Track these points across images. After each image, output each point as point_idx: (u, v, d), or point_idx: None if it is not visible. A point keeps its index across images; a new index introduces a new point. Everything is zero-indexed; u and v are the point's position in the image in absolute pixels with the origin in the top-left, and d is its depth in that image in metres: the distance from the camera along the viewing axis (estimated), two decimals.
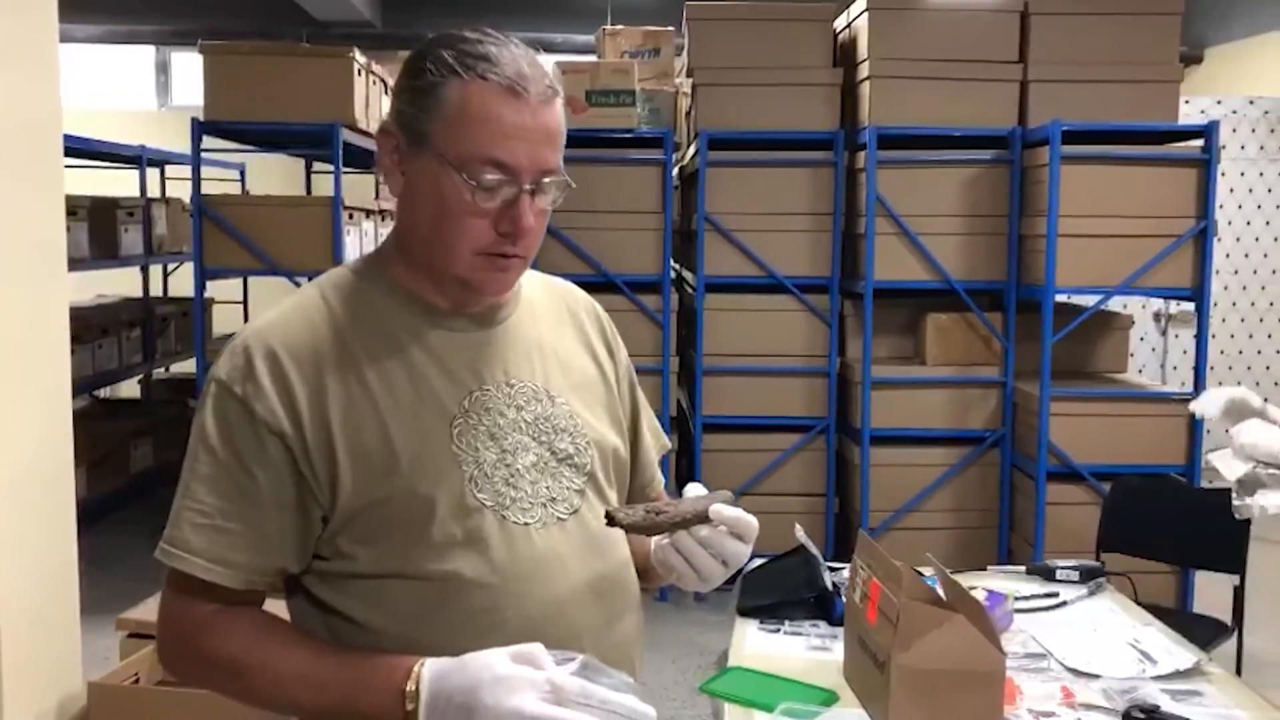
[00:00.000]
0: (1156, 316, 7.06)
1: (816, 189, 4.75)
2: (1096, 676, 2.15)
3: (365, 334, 1.23)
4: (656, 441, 1.52)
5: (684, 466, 5.09)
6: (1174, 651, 2.27)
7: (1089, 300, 4.64)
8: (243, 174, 7.51)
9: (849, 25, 4.92)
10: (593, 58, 5.29)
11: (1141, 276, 4.31)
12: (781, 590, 2.51)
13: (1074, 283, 4.34)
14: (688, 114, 5.32)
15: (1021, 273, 4.61)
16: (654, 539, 1.32)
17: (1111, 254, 4.32)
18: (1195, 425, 4.35)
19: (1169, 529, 3.62)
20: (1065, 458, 4.35)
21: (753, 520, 1.30)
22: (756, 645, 2.34)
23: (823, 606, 2.47)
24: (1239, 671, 3.11)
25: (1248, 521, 3.36)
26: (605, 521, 1.26)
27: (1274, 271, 7.12)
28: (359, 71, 4.76)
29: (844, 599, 2.43)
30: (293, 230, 4.54)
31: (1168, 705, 1.98)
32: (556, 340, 1.36)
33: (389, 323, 1.24)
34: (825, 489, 4.86)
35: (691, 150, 5.17)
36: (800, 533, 2.66)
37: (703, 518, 1.27)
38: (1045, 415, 4.33)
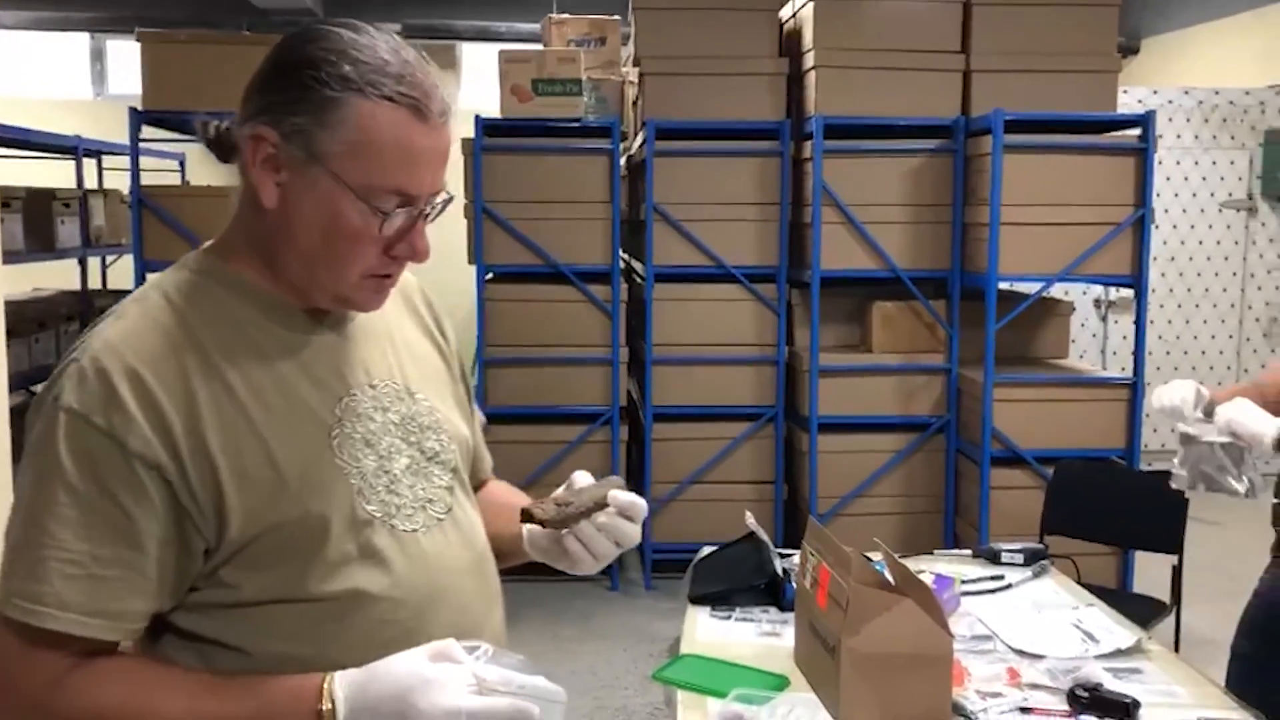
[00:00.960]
0: (1097, 303, 7.19)
1: (763, 179, 4.77)
2: (1041, 657, 2.19)
3: (224, 342, 1.12)
4: (476, 419, 1.48)
5: (635, 457, 5.10)
6: (1115, 631, 2.32)
7: (1031, 288, 4.72)
8: (183, 164, 7.38)
9: (794, 15, 4.94)
10: (538, 46, 5.26)
11: (1082, 264, 4.39)
12: (732, 578, 2.53)
13: (1016, 270, 4.41)
14: (634, 103, 5.32)
15: (965, 261, 4.67)
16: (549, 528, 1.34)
17: (1053, 242, 4.39)
18: (1135, 409, 4.44)
19: (1110, 511, 3.69)
20: (1009, 443, 4.42)
21: (643, 502, 1.33)
22: (708, 632, 2.35)
23: (773, 593, 2.49)
24: (1177, 648, 3.18)
25: (1186, 503, 3.46)
26: (521, 519, 1.31)
27: (1208, 259, 7.28)
28: None
29: (794, 585, 2.46)
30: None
31: (1110, 683, 2.02)
32: (402, 331, 1.31)
33: (246, 327, 1.14)
34: (774, 476, 4.89)
35: (639, 140, 5.17)
36: (751, 520, 2.68)
37: (602, 504, 1.31)
38: (989, 401, 4.40)
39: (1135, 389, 4.45)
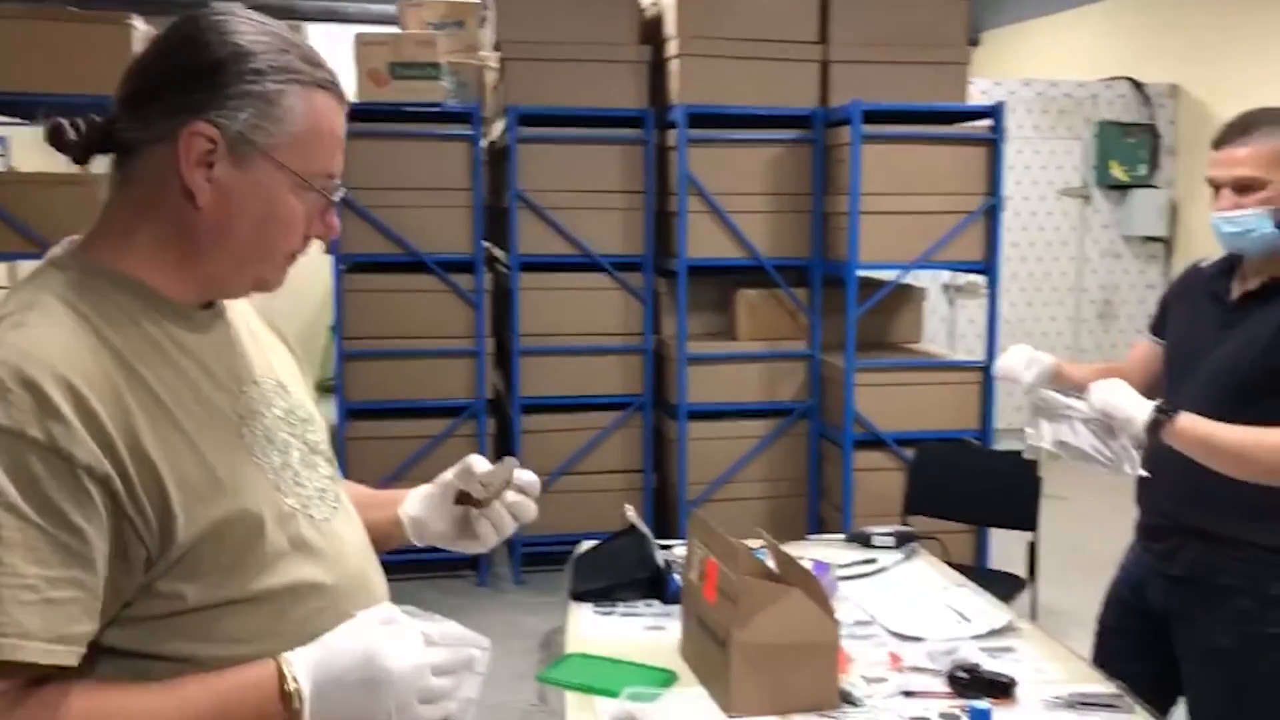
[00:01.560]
0: (945, 288, 7.44)
1: (628, 166, 4.75)
2: (920, 639, 2.23)
3: (133, 345, 1.08)
4: None
5: (503, 449, 5.03)
6: (986, 610, 2.39)
7: (888, 274, 4.83)
8: (6, 148, 6.92)
9: (655, 2, 4.93)
10: (392, 29, 5.11)
11: (937, 251, 4.51)
12: (614, 572, 2.50)
13: (875, 258, 4.51)
14: (494, 88, 5.22)
15: (826, 249, 4.75)
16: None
17: (909, 230, 4.50)
18: (988, 391, 4.60)
19: (969, 491, 3.80)
20: (870, 426, 4.53)
21: (538, 480, 1.44)
22: (592, 629, 2.32)
23: (656, 586, 2.47)
24: (1033, 620, 3.31)
25: (1040, 481, 3.60)
26: (458, 500, 1.40)
27: (1048, 244, 7.62)
28: (137, 39, 4.43)
29: (678, 577, 2.45)
30: (66, 210, 4.18)
31: (986, 663, 2.07)
32: (254, 323, 1.30)
33: (148, 329, 1.10)
34: (643, 465, 4.90)
35: (500, 126, 5.08)
36: (631, 512, 2.66)
37: (509, 484, 1.40)
38: (851, 386, 4.49)
39: (988, 371, 4.61)
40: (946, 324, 7.47)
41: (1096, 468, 2.15)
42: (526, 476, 1.40)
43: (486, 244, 5.08)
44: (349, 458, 4.68)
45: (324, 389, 9.45)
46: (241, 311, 1.26)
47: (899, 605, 2.41)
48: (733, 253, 4.72)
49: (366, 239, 4.61)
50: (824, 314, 4.80)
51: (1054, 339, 7.71)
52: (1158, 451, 2.08)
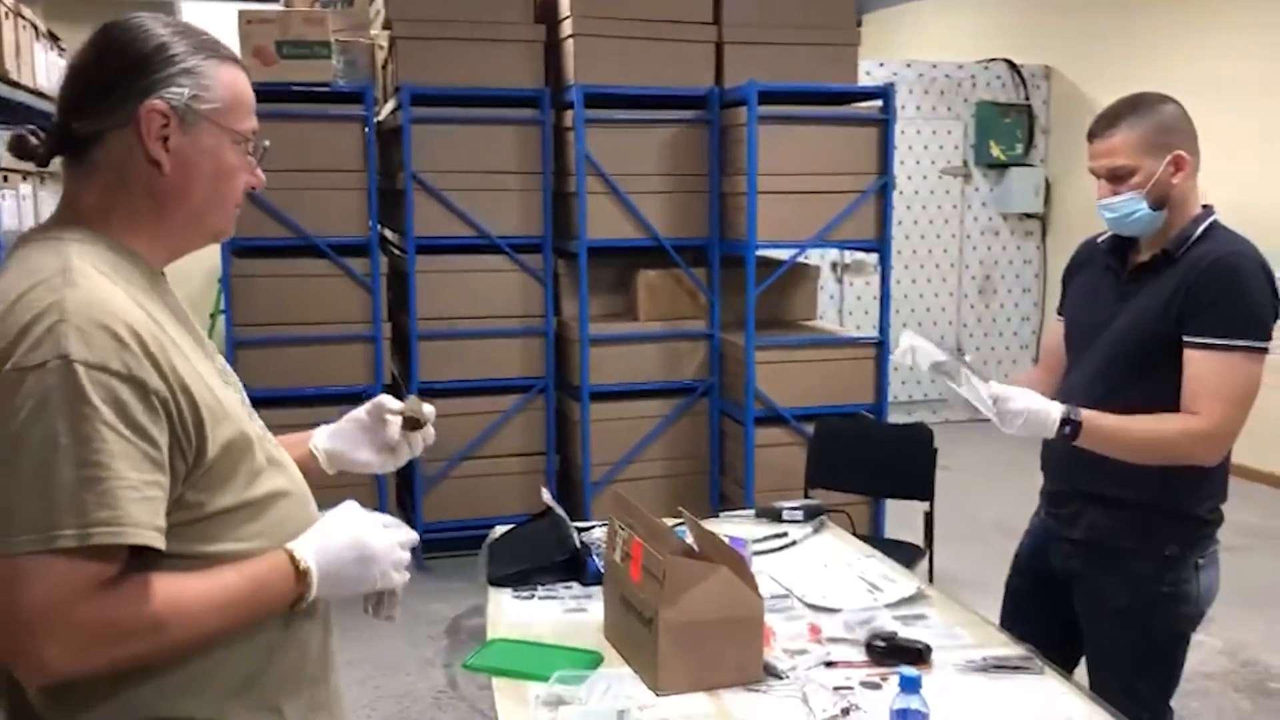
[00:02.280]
0: (834, 266, 7.58)
1: (525, 147, 4.72)
2: (836, 610, 2.29)
3: (144, 296, 1.29)
4: None
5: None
6: (896, 580, 2.45)
7: (783, 253, 4.91)
8: None
9: None
10: (278, 6, 4.96)
11: (832, 230, 4.60)
12: (531, 556, 2.49)
13: (772, 237, 4.57)
14: (384, 67, 5.11)
15: (724, 229, 4.79)
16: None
17: (804, 210, 4.58)
18: (882, 366, 4.72)
19: (867, 463, 3.90)
20: (770, 402, 4.60)
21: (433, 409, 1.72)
22: (513, 614, 2.31)
23: (574, 568, 2.47)
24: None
25: (935, 452, 3.71)
26: (406, 426, 1.68)
27: (930, 222, 7.83)
28: (6, 15, 4.21)
29: (597, 559, 2.46)
30: None
31: (902, 632, 2.14)
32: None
33: (144, 283, 1.32)
34: (546, 447, 4.89)
35: (390, 105, 4.99)
36: (547, 495, 2.65)
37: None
38: (751, 364, 4.56)
39: (882, 347, 4.73)
40: (836, 301, 7.62)
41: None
42: (429, 408, 1.71)
43: (381, 227, 4.99)
44: None
45: None
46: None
47: (813, 578, 2.46)
48: (632, 233, 4.73)
49: (256, 222, 4.48)
50: (722, 293, 4.85)
51: (937, 314, 7.94)
52: None
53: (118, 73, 1.28)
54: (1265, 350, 2.09)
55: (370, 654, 4.01)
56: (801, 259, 5.00)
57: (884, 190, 4.64)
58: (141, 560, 1.20)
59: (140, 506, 1.17)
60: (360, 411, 1.69)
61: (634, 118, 4.69)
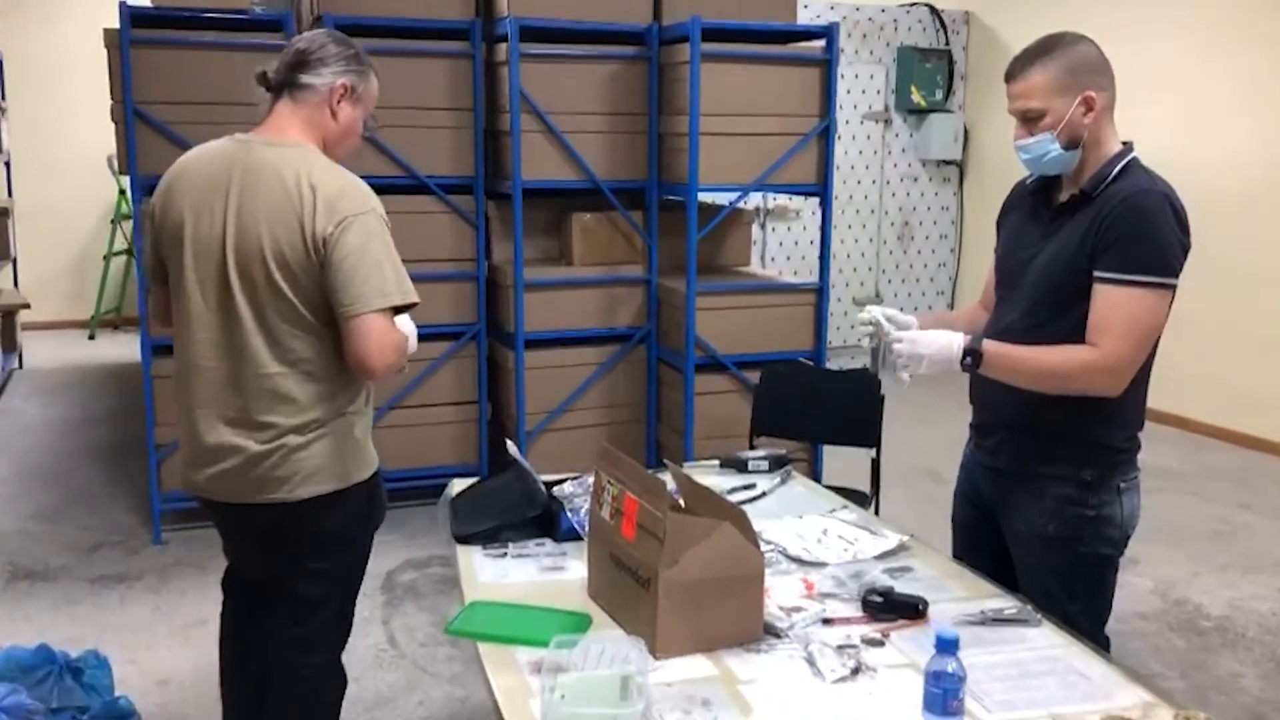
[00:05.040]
0: (756, 211, 7.51)
1: (455, 82, 4.50)
2: (823, 564, 2.22)
3: None
4: None
5: None
6: (877, 531, 2.40)
7: (719, 197, 4.80)
8: None
9: None
10: None
11: (774, 173, 4.50)
12: (499, 512, 2.37)
13: (713, 180, 4.45)
14: None
15: (662, 171, 4.66)
16: None
17: (746, 152, 4.47)
18: (821, 312, 4.67)
19: (813, 411, 3.84)
20: (710, 349, 4.52)
21: None
22: (486, 573, 2.19)
23: (544, 524, 2.36)
24: None
25: (881, 399, 3.68)
26: None
27: (852, 168, 7.80)
28: None
29: (570, 514, 2.35)
30: None
31: (896, 587, 2.09)
32: None
33: None
34: (478, 396, 4.73)
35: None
36: (513, 449, 2.53)
37: None
38: (692, 310, 4.46)
39: (821, 293, 4.68)
40: (759, 246, 7.55)
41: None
42: None
43: None
44: (158, 399, 4.31)
45: (107, 323, 8.76)
46: None
47: (793, 532, 2.39)
48: (568, 174, 4.57)
49: (166, 158, 4.17)
50: (659, 238, 4.72)
51: (857, 261, 7.96)
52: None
53: (338, 57, 2.23)
54: (1170, 287, 2.12)
55: None
56: (741, 205, 4.90)
57: (826, 133, 4.56)
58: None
59: (408, 283, 2.19)
60: None
61: (571, 53, 4.50)
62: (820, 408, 3.85)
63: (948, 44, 7.86)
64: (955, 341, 2.18)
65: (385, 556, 4.28)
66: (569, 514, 2.35)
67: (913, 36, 7.78)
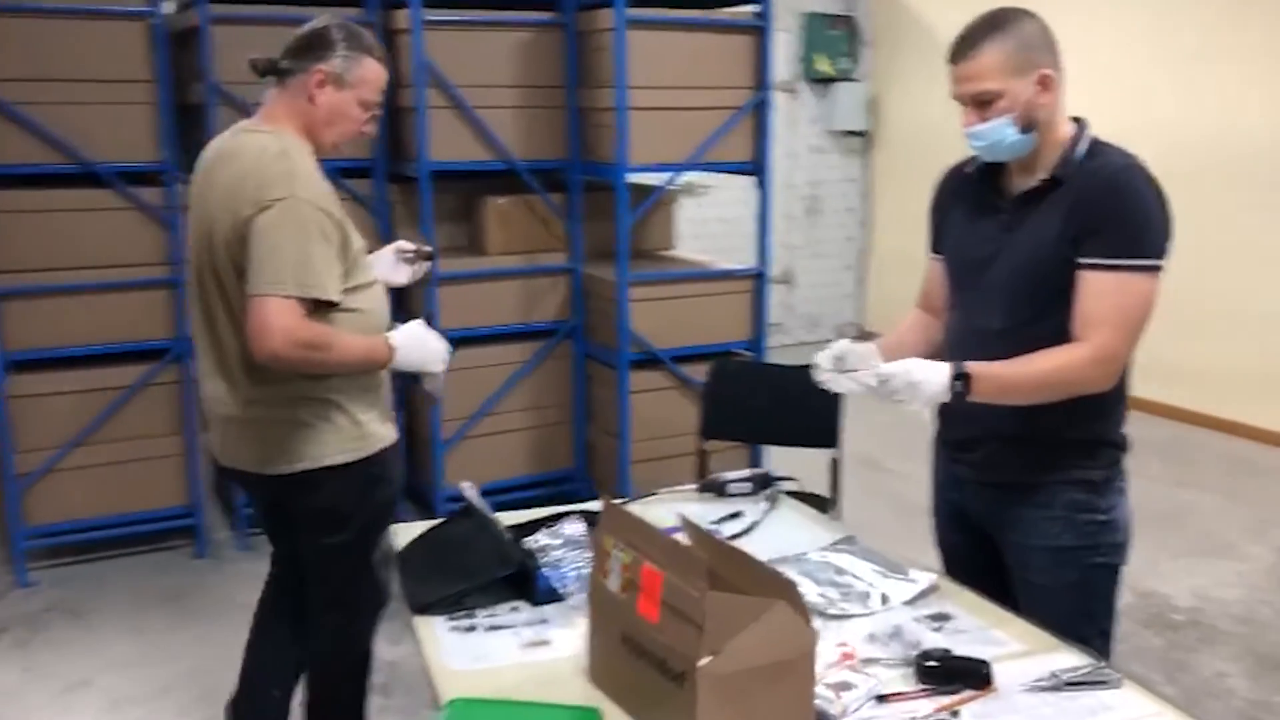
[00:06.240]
0: None
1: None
2: (847, 617, 1.90)
3: (313, 167, 2.25)
4: None
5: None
6: (899, 569, 2.08)
7: (645, 176, 4.43)
8: None
9: None
10: None
11: (707, 151, 4.15)
12: (461, 571, 1.97)
13: (642, 160, 4.07)
14: None
15: (583, 150, 4.26)
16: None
17: (676, 128, 4.10)
18: (761, 300, 4.35)
19: (767, 410, 3.52)
20: (645, 343, 4.15)
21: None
22: (457, 655, 1.80)
23: (516, 582, 1.97)
24: None
25: (839, 397, 3.38)
26: (419, 258, 2.65)
27: None
28: None
29: (548, 570, 1.97)
30: None
31: (940, 642, 1.78)
32: None
33: (312, 161, 2.27)
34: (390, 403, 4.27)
35: (171, 3, 4.16)
36: (470, 491, 2.14)
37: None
38: (625, 301, 4.08)
39: (760, 278, 4.36)
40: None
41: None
42: (428, 248, 2.66)
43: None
44: (13, 419, 3.75)
45: None
46: None
47: (801, 575, 2.05)
48: (480, 155, 4.13)
49: (17, 146, 3.63)
50: (580, 222, 4.33)
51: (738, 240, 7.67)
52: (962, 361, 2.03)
53: (321, 43, 2.23)
54: (1160, 269, 1.97)
55: (203, 660, 3.36)
56: (664, 184, 4.53)
57: (761, 107, 4.23)
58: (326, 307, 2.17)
59: (328, 278, 2.15)
60: (388, 251, 2.60)
61: (480, 19, 4.05)
62: (774, 406, 3.53)
63: (851, 9, 7.61)
64: (940, 371, 1.97)
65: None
66: (545, 571, 1.97)
67: (818, 2, 7.50)
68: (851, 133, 7.79)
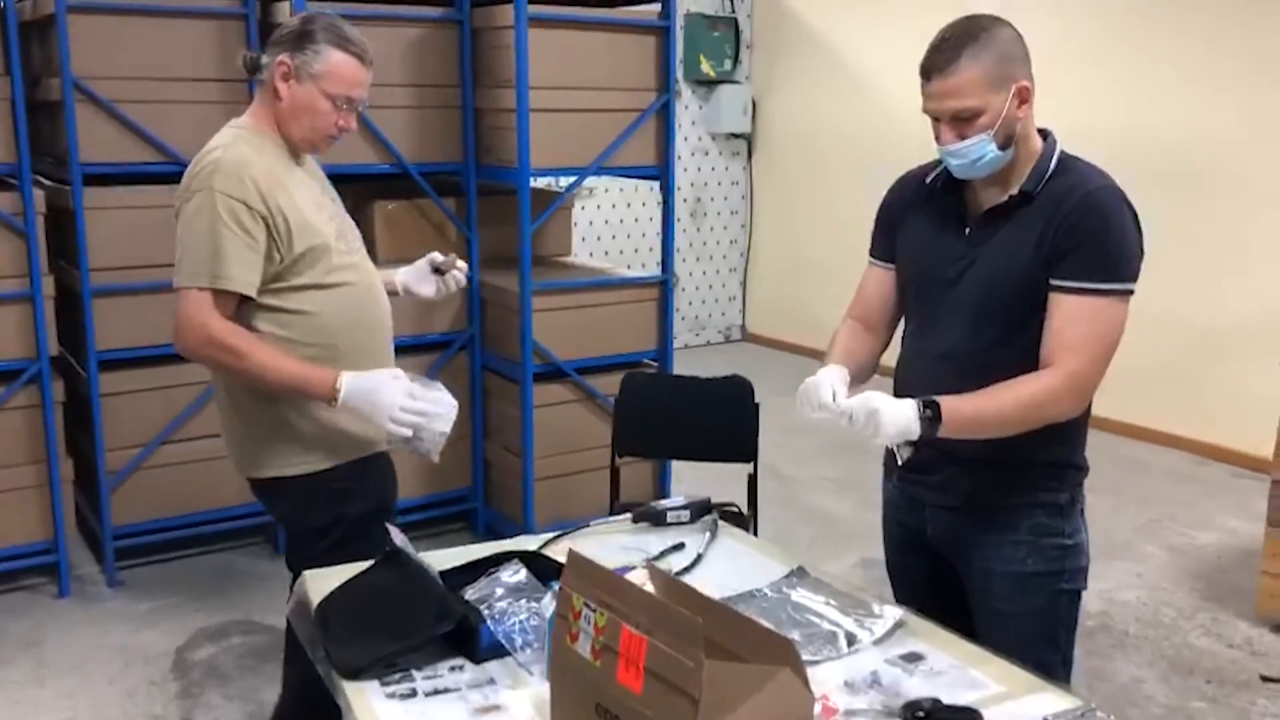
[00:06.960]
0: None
1: (224, 46, 3.71)
2: (817, 662, 1.78)
3: (274, 164, 2.23)
4: None
5: (79, 419, 3.87)
6: (857, 606, 1.96)
7: (542, 181, 4.25)
8: None
9: None
10: None
11: (611, 155, 3.99)
12: (394, 629, 1.77)
13: (544, 164, 3.89)
14: None
15: (480, 153, 4.05)
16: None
17: (577, 130, 3.94)
18: (666, 309, 4.21)
19: (682, 425, 3.40)
20: (549, 355, 3.97)
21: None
22: None
23: (457, 638, 1.78)
24: None
25: (758, 407, 3.28)
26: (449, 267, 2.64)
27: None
28: None
29: (492, 623, 1.78)
30: None
31: (919, 685, 1.67)
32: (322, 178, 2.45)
33: (280, 157, 2.26)
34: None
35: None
36: (398, 535, 1.93)
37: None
38: (528, 311, 3.89)
39: (665, 286, 4.22)
40: None
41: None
42: (461, 263, 2.65)
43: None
44: None
45: None
46: (314, 169, 2.42)
47: (761, 614, 1.92)
48: (369, 157, 3.88)
49: None
50: (476, 228, 4.12)
51: (652, 239, 7.57)
52: (919, 384, 1.96)
53: (289, 36, 2.22)
54: (1132, 293, 1.93)
55: (73, 715, 3.05)
56: (556, 188, 4.36)
57: (666, 109, 4.09)
58: (249, 304, 2.17)
59: (240, 270, 2.13)
60: (421, 262, 2.59)
61: (371, 13, 3.81)
62: (688, 420, 3.40)
63: (734, 11, 7.56)
64: (908, 407, 1.86)
65: (158, 628, 3.55)
66: (488, 624, 1.78)
67: (700, 3, 7.42)
68: (734, 135, 7.74)
